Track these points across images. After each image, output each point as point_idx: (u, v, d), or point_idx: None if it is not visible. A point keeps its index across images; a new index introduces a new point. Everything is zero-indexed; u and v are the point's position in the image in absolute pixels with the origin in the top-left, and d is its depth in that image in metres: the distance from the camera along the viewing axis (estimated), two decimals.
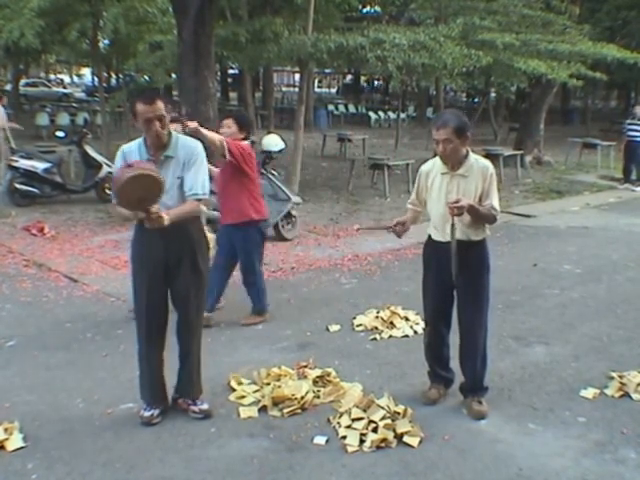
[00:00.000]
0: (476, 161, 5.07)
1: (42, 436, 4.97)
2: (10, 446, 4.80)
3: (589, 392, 5.68)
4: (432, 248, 5.25)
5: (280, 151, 11.08)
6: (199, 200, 4.94)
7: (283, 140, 11.17)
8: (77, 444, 4.90)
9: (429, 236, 5.28)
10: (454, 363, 5.50)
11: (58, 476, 4.49)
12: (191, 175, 4.90)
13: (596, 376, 5.99)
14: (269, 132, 14.06)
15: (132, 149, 4.92)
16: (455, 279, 5.05)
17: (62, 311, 7.74)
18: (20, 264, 9.61)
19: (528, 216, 13.45)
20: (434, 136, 4.97)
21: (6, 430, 4.91)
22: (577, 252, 10.65)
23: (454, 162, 5.02)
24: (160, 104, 4.73)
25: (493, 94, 32.35)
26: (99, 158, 13.83)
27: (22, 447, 4.81)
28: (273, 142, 10.97)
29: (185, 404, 5.31)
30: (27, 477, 4.49)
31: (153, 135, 4.79)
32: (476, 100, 45.91)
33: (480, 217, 5.02)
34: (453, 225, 4.94)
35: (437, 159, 5.18)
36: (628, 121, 17.66)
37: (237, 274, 7.39)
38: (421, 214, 5.44)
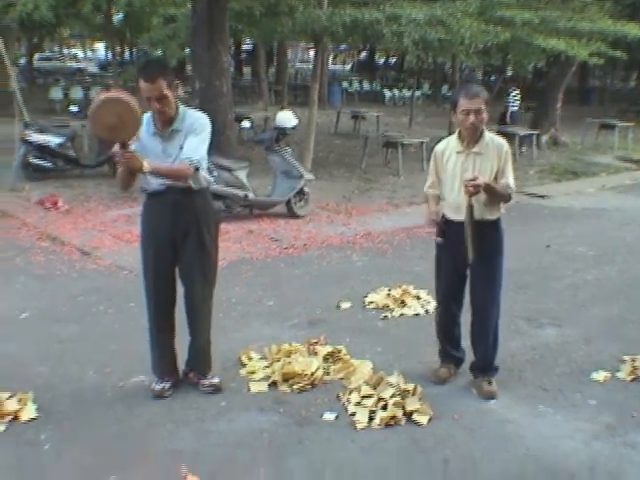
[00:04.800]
0: (491, 139, 5.07)
1: (55, 407, 5.03)
2: (24, 416, 4.87)
3: (600, 375, 5.70)
4: (446, 227, 5.26)
5: (293, 127, 11.10)
6: (191, 163, 4.83)
7: (297, 116, 11.19)
8: (89, 415, 4.96)
9: (442, 215, 5.29)
10: (465, 342, 5.52)
11: (70, 447, 4.55)
12: (188, 141, 4.89)
13: (607, 359, 6.01)
14: (282, 108, 14.05)
15: (146, 121, 4.90)
16: (470, 259, 5.06)
17: (75, 284, 7.81)
18: (34, 237, 9.68)
19: (543, 197, 13.43)
20: (465, 106, 4.88)
21: (20, 401, 4.98)
22: (591, 234, 10.64)
23: (473, 138, 5.00)
24: (161, 83, 4.67)
25: (510, 72, 32.20)
26: None
27: (35, 418, 4.88)
28: (286, 118, 10.98)
29: (196, 378, 5.37)
30: (40, 447, 4.56)
31: (155, 112, 4.84)
32: (492, 78, 45.67)
33: (496, 196, 5.02)
34: (470, 205, 4.95)
35: (452, 138, 5.18)
36: None
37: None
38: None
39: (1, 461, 4.38)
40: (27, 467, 4.33)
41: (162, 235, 5.00)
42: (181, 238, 5.02)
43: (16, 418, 4.86)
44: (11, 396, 5.01)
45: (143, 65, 4.77)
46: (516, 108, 19.83)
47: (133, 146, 4.61)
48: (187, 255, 5.07)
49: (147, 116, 4.90)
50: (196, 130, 4.92)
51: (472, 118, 4.89)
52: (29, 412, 4.92)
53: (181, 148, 4.87)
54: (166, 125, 4.88)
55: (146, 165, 4.57)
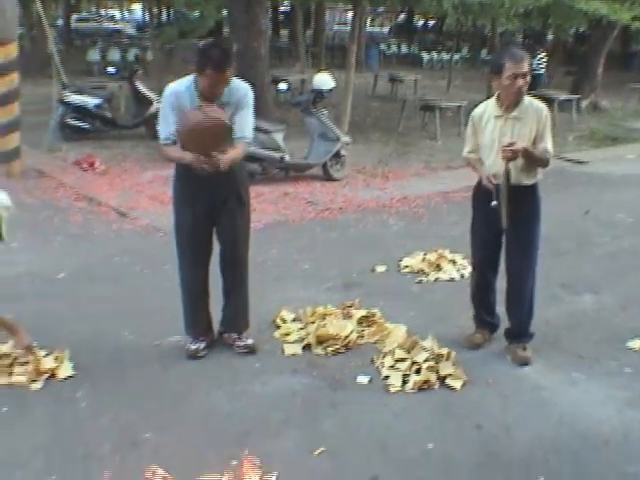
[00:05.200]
0: (531, 103, 5.00)
1: (91, 366, 5.09)
2: (60, 374, 4.94)
3: (636, 343, 5.63)
4: (482, 192, 5.20)
5: (330, 90, 11.04)
6: (249, 142, 4.99)
7: (334, 79, 11.12)
8: (125, 374, 5.02)
9: (479, 180, 5.24)
10: (500, 308, 5.50)
11: (105, 405, 4.61)
12: (241, 118, 4.90)
13: None
14: (320, 71, 13.95)
15: (182, 92, 4.78)
16: (505, 225, 5.02)
17: (111, 244, 7.87)
18: (71, 198, 9.76)
19: (581, 162, 13.25)
20: (512, 70, 4.79)
21: (57, 359, 5.05)
22: (631, 201, 10.49)
23: (513, 102, 4.93)
24: (229, 72, 4.63)
25: (550, 36, 31.71)
26: (149, 94, 13.88)
27: (72, 376, 4.94)
28: (324, 81, 10.93)
29: (230, 339, 5.40)
30: (76, 405, 4.62)
31: (210, 93, 4.73)
32: (532, 41, 45.01)
33: (534, 161, 4.96)
34: (507, 170, 4.90)
35: (490, 102, 5.12)
36: None
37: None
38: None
39: (38, 418, 4.45)
40: (64, 424, 4.39)
41: (201, 199, 4.97)
42: (221, 201, 5.01)
43: (53, 376, 4.93)
44: (48, 354, 5.08)
45: (211, 53, 4.57)
46: (542, 72, 19.56)
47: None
48: (227, 217, 5.07)
49: (187, 85, 4.79)
50: (247, 104, 4.93)
51: (520, 82, 4.82)
52: (66, 370, 4.98)
53: (229, 121, 4.84)
54: (211, 98, 4.76)
55: (224, 164, 4.65)
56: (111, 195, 9.89)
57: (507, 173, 4.90)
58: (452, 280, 6.90)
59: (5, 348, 5.05)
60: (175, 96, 4.77)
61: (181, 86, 4.80)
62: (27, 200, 9.51)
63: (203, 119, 4.46)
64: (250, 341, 5.37)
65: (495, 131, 5.02)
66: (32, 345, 4.95)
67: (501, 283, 5.39)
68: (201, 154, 4.58)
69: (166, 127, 4.80)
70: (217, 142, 4.57)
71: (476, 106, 5.29)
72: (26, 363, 4.92)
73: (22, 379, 4.82)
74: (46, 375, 4.91)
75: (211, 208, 5.01)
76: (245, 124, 4.92)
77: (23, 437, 4.24)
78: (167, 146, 4.84)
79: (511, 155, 4.77)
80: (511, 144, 4.77)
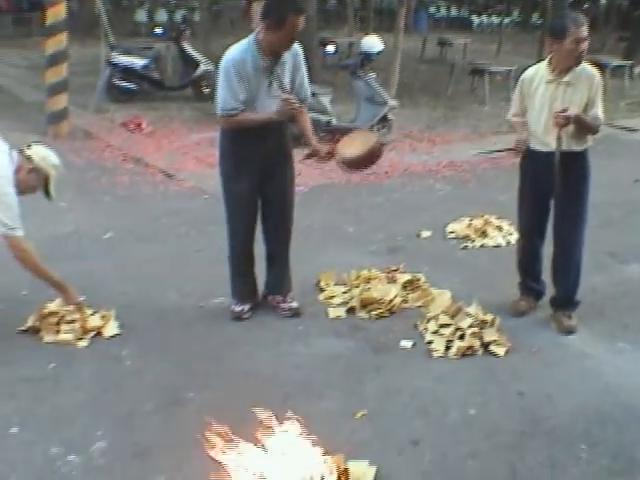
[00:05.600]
0: (583, 69, 4.92)
1: (136, 325, 5.16)
2: (106, 333, 5.01)
3: None
4: (530, 158, 5.14)
5: (378, 53, 10.95)
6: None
7: (382, 42, 11.03)
8: (169, 334, 5.08)
9: (527, 145, 5.18)
10: (546, 275, 5.46)
11: (150, 363, 4.68)
12: (302, 80, 4.96)
13: None
14: (368, 33, 13.84)
15: (244, 56, 4.68)
16: (556, 191, 4.96)
17: (158, 205, 7.94)
18: (118, 159, 9.85)
19: (633, 130, 13.03)
20: (577, 34, 4.69)
21: (103, 317, 5.11)
22: None
23: (566, 67, 4.85)
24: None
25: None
26: (196, 56, 13.89)
27: (117, 334, 5.01)
28: (372, 44, 10.84)
29: (275, 301, 5.43)
30: (122, 363, 4.69)
31: (287, 46, 4.72)
32: (585, 5, 44.22)
33: (584, 127, 4.88)
34: (559, 137, 4.83)
35: (541, 66, 5.04)
36: None
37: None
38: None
39: (85, 374, 4.52)
40: (109, 381, 4.46)
41: (251, 162, 4.97)
42: (270, 163, 5.02)
43: (99, 334, 5.00)
44: (94, 313, 5.14)
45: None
46: None
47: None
48: (277, 177, 5.09)
49: (246, 47, 4.71)
50: (302, 64, 4.95)
51: (583, 46, 4.74)
52: (112, 329, 5.06)
53: (290, 82, 4.88)
54: (275, 56, 4.75)
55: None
56: (158, 156, 9.96)
57: (559, 139, 4.83)
58: (498, 246, 6.86)
59: (53, 306, 5.11)
60: (239, 62, 4.67)
61: (241, 51, 4.71)
62: (75, 161, 9.60)
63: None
64: (294, 304, 5.40)
65: (545, 96, 4.95)
66: (81, 302, 5.04)
67: (548, 250, 5.34)
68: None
69: (232, 97, 4.72)
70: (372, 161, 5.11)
71: (525, 70, 5.22)
72: (73, 321, 5.00)
73: (69, 337, 4.90)
74: (92, 333, 4.98)
75: (260, 172, 5.01)
76: (306, 86, 5.00)
77: (70, 393, 4.31)
78: (233, 116, 4.80)
79: (564, 122, 4.71)
80: (564, 110, 4.70)
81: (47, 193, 4.88)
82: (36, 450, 3.76)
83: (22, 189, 4.77)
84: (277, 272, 5.41)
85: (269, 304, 5.45)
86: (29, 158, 4.75)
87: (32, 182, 4.81)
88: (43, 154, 4.84)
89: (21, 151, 4.78)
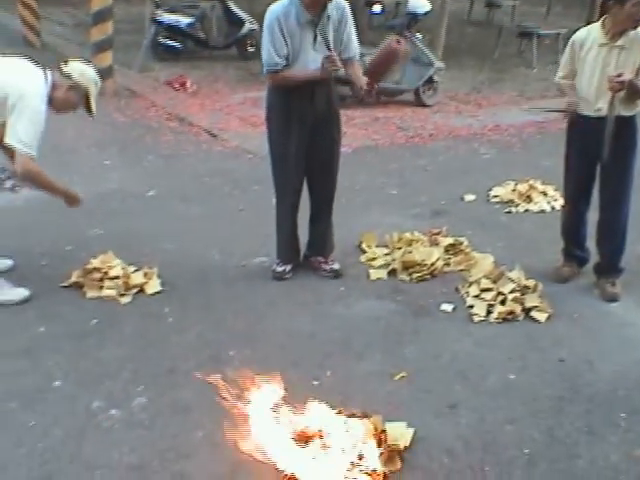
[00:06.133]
0: (636, 33, 4.81)
1: (178, 283, 5.22)
2: (149, 290, 5.07)
3: None
4: (578, 123, 5.07)
5: (426, 14, 10.82)
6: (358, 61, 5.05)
7: (429, 2, 10.90)
8: (211, 292, 5.13)
9: (576, 110, 5.11)
10: (590, 242, 5.41)
11: (192, 321, 4.73)
12: (349, 36, 4.92)
13: None
14: None
15: (287, 10, 4.65)
16: (606, 157, 4.90)
17: (201, 165, 7.97)
18: (162, 117, 9.89)
19: None
20: None
21: (146, 275, 5.17)
22: None
23: (620, 31, 4.75)
24: None
25: None
26: (241, 14, 13.83)
27: (160, 292, 5.07)
28: (419, 4, 10.71)
29: (316, 262, 5.45)
30: (164, 319, 4.75)
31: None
32: None
33: (636, 92, 4.80)
34: (612, 102, 4.75)
35: (593, 28, 4.94)
36: None
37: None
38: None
39: (127, 331, 4.59)
40: (151, 338, 4.52)
41: (297, 123, 4.96)
42: (317, 124, 5.00)
43: (141, 291, 5.07)
44: (137, 270, 5.21)
45: None
46: None
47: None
48: (323, 140, 5.07)
49: (288, 1, 4.67)
50: (349, 20, 4.90)
51: None
52: (154, 286, 5.11)
53: (335, 38, 4.84)
54: (320, 10, 4.70)
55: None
56: (202, 116, 9.98)
57: (612, 105, 4.76)
58: (542, 212, 6.80)
59: (97, 262, 5.18)
60: (283, 17, 4.64)
61: (285, 5, 4.67)
62: (119, 119, 9.68)
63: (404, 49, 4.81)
64: (336, 265, 5.42)
65: (598, 60, 4.85)
66: (80, 198, 5.04)
67: (593, 216, 5.29)
68: (375, 80, 4.86)
69: (275, 52, 4.71)
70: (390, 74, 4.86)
71: (576, 32, 5.13)
72: (116, 277, 5.06)
73: (112, 293, 4.97)
74: (135, 290, 5.05)
75: (307, 131, 5.00)
76: (355, 44, 4.97)
77: (112, 348, 4.38)
78: (278, 72, 4.79)
79: (619, 86, 4.63)
80: (619, 75, 4.63)
81: (88, 109, 4.84)
82: (78, 404, 3.83)
83: (61, 107, 4.75)
84: (320, 233, 5.42)
85: (310, 265, 5.48)
86: (67, 75, 4.68)
87: (72, 99, 4.75)
88: (81, 70, 4.76)
89: (58, 69, 4.72)
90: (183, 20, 13.38)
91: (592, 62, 4.87)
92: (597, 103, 4.86)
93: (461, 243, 5.80)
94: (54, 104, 4.67)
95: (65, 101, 4.73)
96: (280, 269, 5.33)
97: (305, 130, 4.99)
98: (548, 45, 16.00)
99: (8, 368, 4.13)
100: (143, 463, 3.37)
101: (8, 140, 4.42)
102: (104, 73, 10.80)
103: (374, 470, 3.16)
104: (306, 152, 5.10)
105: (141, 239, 5.86)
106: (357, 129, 9.35)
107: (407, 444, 3.46)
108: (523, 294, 4.96)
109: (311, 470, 3.13)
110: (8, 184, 6.40)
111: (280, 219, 5.34)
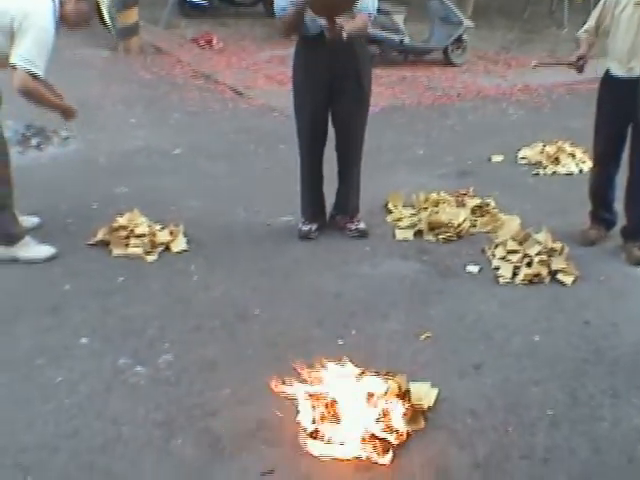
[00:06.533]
0: None
1: (204, 241, 5.24)
2: (175, 248, 5.10)
3: None
4: (610, 84, 5.02)
5: None
6: (370, 15, 4.89)
7: None
8: (237, 251, 5.15)
9: (607, 71, 5.04)
10: (618, 205, 5.37)
11: (217, 279, 4.76)
12: None
13: None
14: None
15: None
16: (637, 118, 4.84)
17: (227, 123, 7.98)
18: (188, 75, 9.88)
19: None
20: None
21: (171, 233, 5.20)
22: None
23: None
24: None
25: None
26: None
27: (185, 250, 5.10)
28: None
29: (342, 222, 5.45)
30: (189, 277, 4.78)
31: None
32: None
33: None
34: None
35: None
36: None
37: None
38: (594, 45, 5.18)
39: (153, 288, 4.62)
40: (176, 296, 4.55)
41: (320, 78, 4.94)
42: (339, 81, 4.97)
43: (167, 249, 5.10)
44: (163, 228, 5.24)
45: None
46: None
47: None
48: (345, 97, 5.03)
49: None
50: None
51: None
52: (180, 244, 5.14)
53: None
54: None
55: (345, 34, 4.54)
56: (228, 73, 9.96)
57: None
58: (570, 174, 6.77)
59: (123, 220, 5.21)
60: None
61: None
62: (145, 76, 9.68)
63: None
64: (362, 225, 5.42)
65: (633, 18, 4.76)
66: (75, 109, 4.99)
67: (622, 179, 5.24)
68: (323, 15, 4.50)
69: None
70: (343, 7, 4.46)
71: None
72: (142, 235, 5.09)
73: (138, 250, 5.00)
74: (161, 248, 5.08)
75: (330, 86, 4.97)
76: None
77: (138, 306, 4.41)
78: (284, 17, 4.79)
79: None
80: None
81: (102, 20, 4.72)
82: (105, 361, 3.87)
83: (73, 22, 4.67)
84: (345, 192, 5.42)
85: (336, 225, 5.48)
86: None
87: (83, 10, 4.65)
88: None
89: None
90: None
91: (627, 21, 4.80)
92: (630, 63, 4.80)
93: (488, 204, 5.79)
94: (66, 20, 4.60)
95: (76, 14, 4.62)
96: (306, 228, 5.35)
97: (325, 87, 4.96)
98: (580, 5, 15.78)
99: (35, 325, 4.18)
100: (169, 419, 3.41)
101: (11, 60, 4.38)
102: (130, 30, 10.84)
103: (397, 429, 3.20)
104: (331, 110, 5.10)
105: (167, 197, 5.89)
106: (384, 88, 9.30)
107: (431, 404, 3.48)
108: (549, 256, 4.94)
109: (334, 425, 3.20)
110: (34, 142, 6.46)
111: (303, 175, 5.34)
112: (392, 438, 3.17)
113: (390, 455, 3.11)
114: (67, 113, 4.93)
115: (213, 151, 7.07)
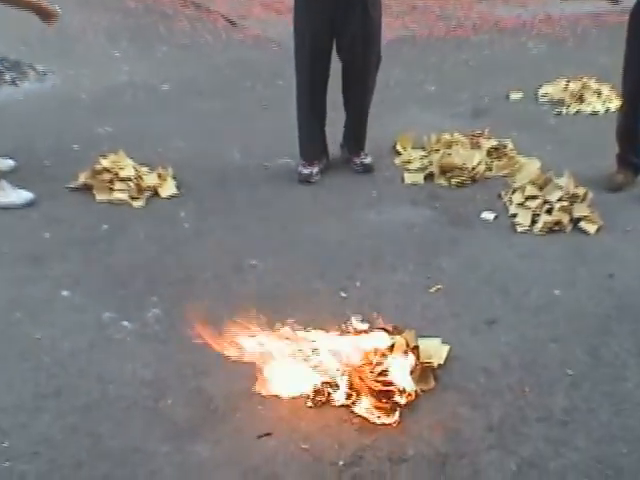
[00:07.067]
0: None
1: (196, 185, 5.24)
2: (163, 192, 5.10)
3: None
4: None
5: None
6: None
7: None
8: (231, 196, 5.15)
9: (638, 1, 5.00)
10: None
11: (210, 226, 4.77)
12: None
13: None
14: None
15: None
16: None
17: (220, 56, 7.93)
18: (177, 3, 9.80)
19: None
20: None
21: (160, 176, 5.19)
22: None
23: None
24: None
25: None
26: None
27: (175, 195, 5.11)
28: None
29: (347, 154, 5.49)
30: (179, 225, 4.79)
31: None
32: None
33: None
34: None
35: None
36: None
37: None
38: None
39: (140, 237, 4.63)
40: (165, 245, 4.57)
41: (322, 8, 4.93)
42: (343, 9, 4.94)
43: (155, 194, 5.10)
44: (150, 171, 5.23)
45: None
46: None
47: None
48: (351, 27, 5.01)
49: None
50: None
51: None
52: (169, 188, 5.15)
53: None
54: None
55: None
56: (220, 1, 9.87)
57: None
58: (595, 113, 6.73)
59: (106, 162, 5.19)
60: None
61: None
62: (130, 4, 9.60)
63: None
64: (368, 159, 5.44)
65: None
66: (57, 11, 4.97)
67: None
68: None
69: None
70: None
71: None
72: (128, 179, 5.08)
73: (123, 196, 5.00)
74: (148, 193, 5.09)
75: (333, 14, 4.95)
76: None
77: (124, 256, 4.43)
78: None
79: None
80: None
81: None
82: (88, 315, 3.88)
83: None
84: (354, 125, 5.45)
85: (343, 156, 5.51)
86: None
87: None
88: None
89: None
90: None
91: None
92: None
93: (505, 146, 5.76)
94: None
95: None
96: (306, 171, 5.33)
97: (327, 11, 4.94)
98: None
99: (12, 276, 4.19)
100: (158, 378, 3.43)
101: None
102: None
103: (405, 389, 3.22)
104: (336, 39, 5.09)
105: (154, 137, 5.87)
106: (393, 18, 9.21)
107: (441, 362, 3.49)
108: (572, 203, 4.92)
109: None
110: (8, 77, 6.42)
111: (303, 116, 5.33)
112: (399, 397, 3.19)
113: (397, 416, 3.14)
114: (46, 15, 4.87)
115: (204, 87, 7.03)
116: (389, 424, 3.11)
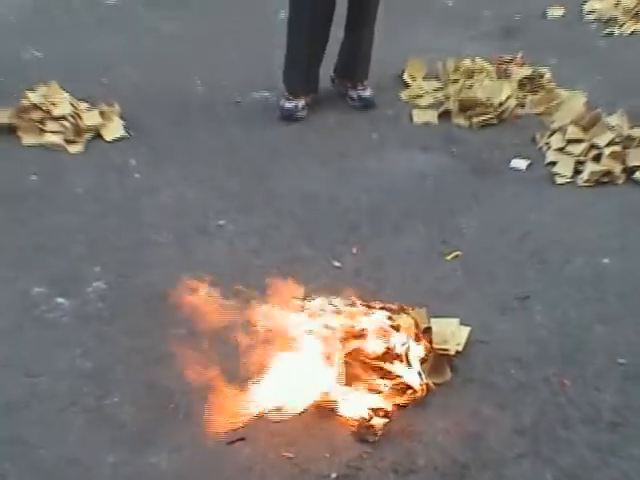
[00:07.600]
0: None
1: (149, 127, 5.22)
2: (108, 135, 5.08)
3: None
4: None
5: None
6: None
7: None
8: (193, 139, 5.14)
9: None
10: None
11: (167, 177, 4.76)
12: None
13: None
14: None
15: None
16: None
17: None
18: None
19: None
20: None
21: (103, 114, 5.16)
22: None
23: None
24: None
25: None
26: None
27: (123, 137, 5.09)
28: None
29: (343, 87, 5.47)
30: (129, 174, 4.78)
31: None
32: None
33: None
34: None
35: None
36: None
37: None
38: None
39: (79, 190, 4.62)
40: (112, 200, 4.55)
41: None
42: None
43: (98, 136, 5.07)
44: (91, 107, 5.20)
45: None
46: None
47: None
48: None
49: None
50: None
51: None
52: (115, 130, 5.13)
53: None
54: None
55: None
56: None
57: None
58: None
59: (35, 97, 5.14)
60: None
61: None
62: None
63: None
64: (367, 92, 5.46)
65: None
66: None
67: None
68: None
69: None
70: None
71: None
72: (62, 118, 5.04)
73: (57, 139, 4.98)
74: (89, 135, 5.07)
75: None
76: None
77: (58, 215, 4.41)
78: None
79: None
80: None
81: None
82: (13, 289, 3.87)
83: None
84: (351, 51, 5.44)
85: (336, 89, 5.50)
86: None
87: None
88: None
89: None
90: None
91: None
92: None
93: (542, 76, 5.75)
94: None
95: None
96: (290, 105, 5.32)
97: None
98: None
99: None
100: (101, 369, 3.41)
101: None
102: None
103: (413, 384, 3.21)
104: None
105: (96, 65, 5.84)
106: None
107: (460, 348, 3.49)
108: (625, 148, 4.92)
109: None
110: None
111: (300, 31, 5.24)
112: (405, 394, 3.19)
113: (400, 417, 3.13)
114: None
115: None
116: (393, 426, 3.11)
